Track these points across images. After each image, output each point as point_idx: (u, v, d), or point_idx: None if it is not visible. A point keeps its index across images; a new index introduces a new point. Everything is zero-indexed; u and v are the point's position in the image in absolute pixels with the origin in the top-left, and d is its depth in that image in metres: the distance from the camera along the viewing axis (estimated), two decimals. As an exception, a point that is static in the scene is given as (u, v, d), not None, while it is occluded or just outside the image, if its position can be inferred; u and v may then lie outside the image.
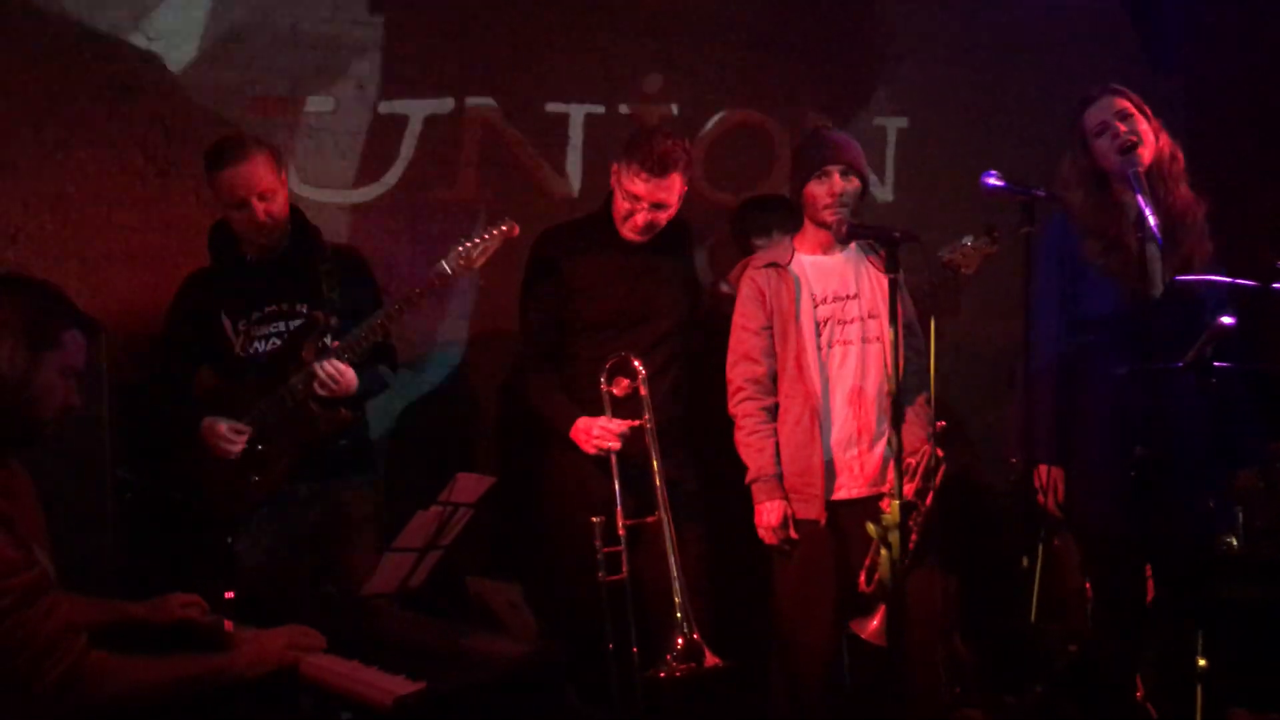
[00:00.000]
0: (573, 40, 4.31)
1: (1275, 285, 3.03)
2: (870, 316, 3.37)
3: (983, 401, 4.58)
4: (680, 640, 3.11)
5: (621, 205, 3.45)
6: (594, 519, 3.27)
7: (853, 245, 3.42)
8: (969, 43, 4.88)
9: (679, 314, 3.58)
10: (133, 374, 3.54)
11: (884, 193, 4.73)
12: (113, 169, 3.79)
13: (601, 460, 3.36)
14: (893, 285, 2.94)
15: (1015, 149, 4.68)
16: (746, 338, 3.40)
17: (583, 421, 3.39)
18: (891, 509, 2.98)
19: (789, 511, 3.30)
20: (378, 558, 2.96)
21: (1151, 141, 3.25)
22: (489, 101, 4.21)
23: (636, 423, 3.35)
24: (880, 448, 3.33)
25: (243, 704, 2.36)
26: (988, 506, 4.47)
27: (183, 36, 3.85)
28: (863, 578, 3.25)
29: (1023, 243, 3.11)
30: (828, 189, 3.31)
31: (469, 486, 2.93)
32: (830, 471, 3.31)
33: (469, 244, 3.35)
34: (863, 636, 3.22)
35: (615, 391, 3.39)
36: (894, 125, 4.77)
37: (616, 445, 3.33)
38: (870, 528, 3.16)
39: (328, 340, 3.30)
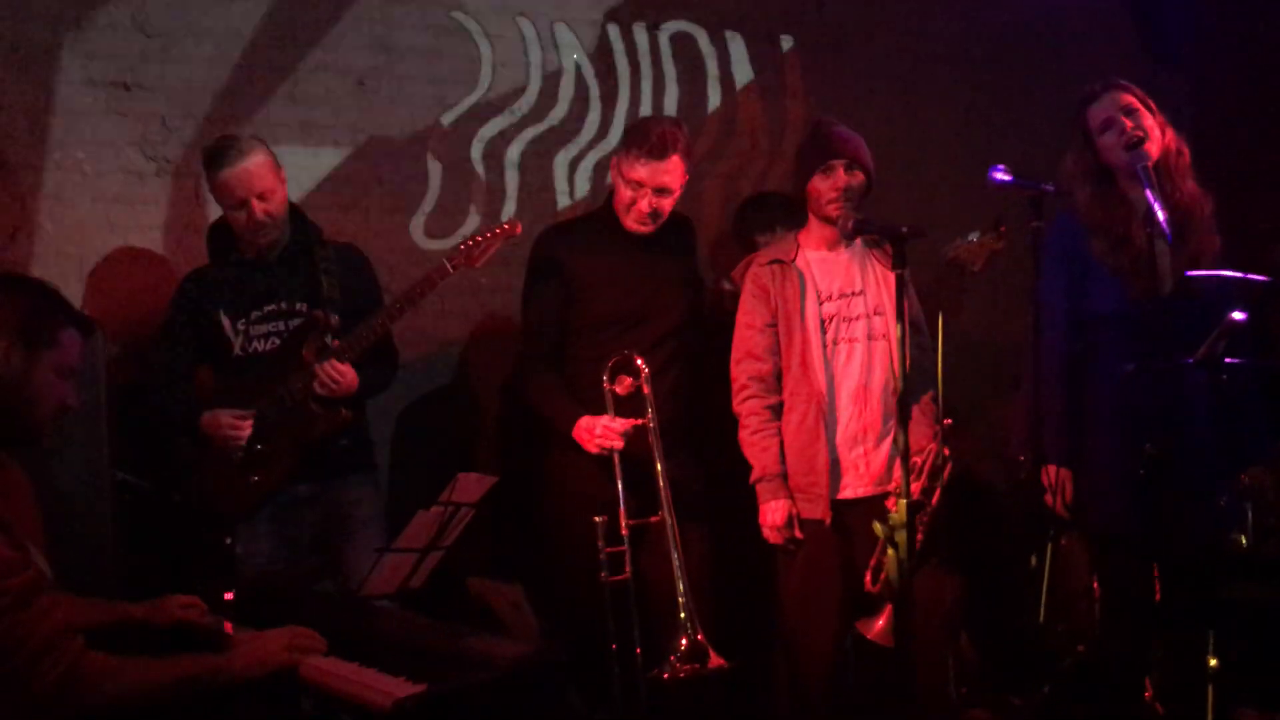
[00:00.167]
0: None
1: None
2: (876, 313, 3.34)
3: (985, 399, 4.56)
4: (684, 641, 3.09)
5: (624, 194, 3.43)
6: (596, 519, 3.24)
7: (858, 241, 3.40)
8: (970, 40, 4.87)
9: (681, 313, 3.56)
10: (131, 374, 3.53)
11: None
12: (111, 168, 3.77)
13: (604, 460, 3.33)
14: (899, 281, 2.91)
15: (1016, 147, 4.66)
16: (750, 335, 3.38)
17: (585, 421, 3.36)
18: (898, 508, 2.96)
19: (794, 511, 3.28)
20: (378, 558, 2.94)
21: (1158, 136, 3.22)
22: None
23: (639, 421, 3.33)
24: (886, 446, 3.30)
25: (243, 706, 2.35)
26: (992, 505, 4.44)
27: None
28: (868, 577, 3.22)
29: (1031, 238, 3.08)
30: (832, 184, 3.29)
31: (470, 486, 2.91)
32: (835, 470, 3.29)
33: (469, 242, 3.33)
34: (869, 637, 3.19)
35: (618, 390, 3.36)
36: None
37: (619, 444, 3.31)
38: (877, 527, 3.14)
39: (328, 339, 3.28)
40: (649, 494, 3.30)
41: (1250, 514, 3.34)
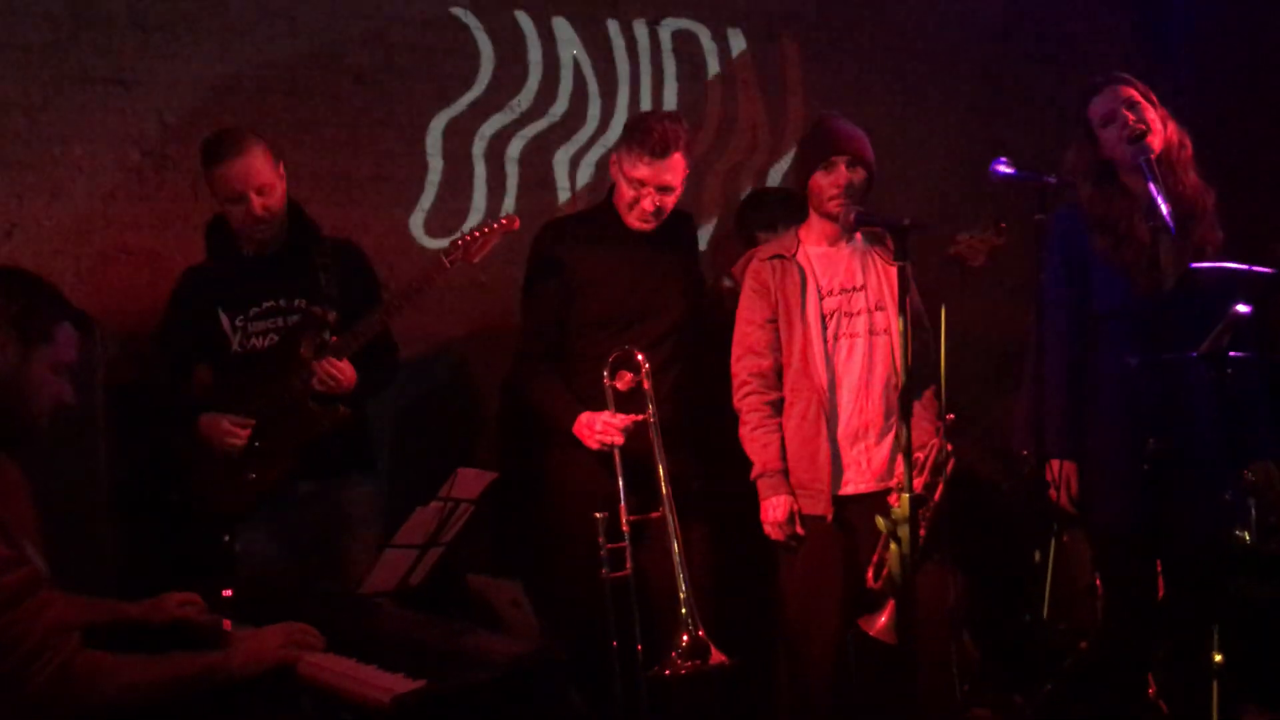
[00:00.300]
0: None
1: None
2: (877, 308, 3.33)
3: (988, 394, 4.55)
4: (686, 637, 3.07)
5: (626, 193, 3.41)
6: (597, 515, 3.23)
7: (859, 236, 3.38)
8: (970, 36, 4.86)
9: (682, 309, 3.54)
10: (129, 371, 3.52)
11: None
12: (109, 163, 3.76)
13: (604, 456, 3.31)
14: (902, 274, 2.90)
15: (1017, 143, 4.65)
16: (751, 331, 3.36)
17: (585, 416, 3.35)
18: (900, 503, 2.94)
19: (795, 507, 3.27)
20: (378, 555, 2.92)
21: (1160, 129, 3.20)
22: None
23: (640, 417, 3.31)
24: (888, 442, 3.29)
25: (242, 704, 2.33)
26: (994, 502, 4.43)
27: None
28: (870, 574, 3.21)
29: (1034, 231, 3.07)
30: (833, 180, 3.28)
31: (470, 482, 2.90)
32: (837, 466, 3.27)
33: (467, 237, 3.32)
34: (871, 634, 3.18)
35: (619, 386, 3.34)
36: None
37: (620, 440, 3.29)
38: (880, 522, 3.12)
39: (326, 336, 3.26)
40: (649, 491, 3.29)
41: (1254, 510, 3.33)
